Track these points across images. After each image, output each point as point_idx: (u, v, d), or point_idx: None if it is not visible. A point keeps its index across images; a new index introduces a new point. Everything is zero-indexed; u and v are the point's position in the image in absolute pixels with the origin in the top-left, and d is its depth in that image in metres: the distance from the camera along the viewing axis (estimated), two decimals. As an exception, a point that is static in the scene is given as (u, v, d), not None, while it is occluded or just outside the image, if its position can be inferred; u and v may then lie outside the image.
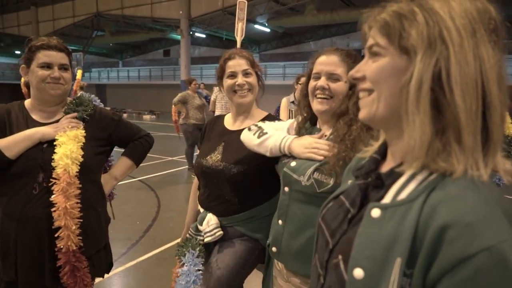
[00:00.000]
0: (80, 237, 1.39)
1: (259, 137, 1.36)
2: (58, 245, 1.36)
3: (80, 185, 1.40)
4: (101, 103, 1.83)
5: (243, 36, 5.27)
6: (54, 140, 1.41)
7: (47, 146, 1.41)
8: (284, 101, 4.47)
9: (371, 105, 0.60)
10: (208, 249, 1.59)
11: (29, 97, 1.54)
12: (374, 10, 0.60)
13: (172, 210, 4.73)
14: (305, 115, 1.35)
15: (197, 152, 1.98)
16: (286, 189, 1.27)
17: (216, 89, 6.17)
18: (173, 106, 6.39)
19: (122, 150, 1.70)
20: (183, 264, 1.55)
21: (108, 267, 1.64)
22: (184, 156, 6.93)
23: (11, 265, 1.38)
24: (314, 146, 1.22)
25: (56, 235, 1.36)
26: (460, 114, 0.51)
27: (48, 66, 1.42)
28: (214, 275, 1.46)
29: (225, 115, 1.72)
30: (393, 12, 0.57)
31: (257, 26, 17.80)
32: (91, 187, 1.48)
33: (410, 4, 0.56)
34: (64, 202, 1.33)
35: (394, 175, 0.59)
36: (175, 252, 1.61)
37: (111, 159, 1.82)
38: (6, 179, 1.37)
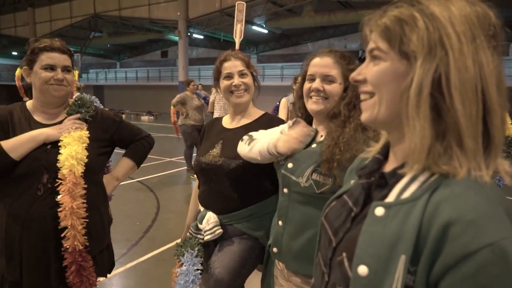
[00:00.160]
0: (86, 237, 1.40)
1: (249, 144, 1.40)
2: (64, 245, 1.37)
3: (86, 186, 1.41)
4: (101, 105, 1.84)
5: (242, 37, 5.29)
6: (58, 141, 1.42)
7: (51, 147, 1.43)
8: (284, 101, 4.49)
9: (373, 108, 0.61)
10: (208, 249, 1.61)
11: (29, 98, 1.55)
12: (375, 13, 0.61)
13: (171, 211, 4.73)
14: (299, 115, 1.37)
15: (196, 153, 2.00)
16: (285, 190, 1.28)
17: (214, 90, 6.18)
18: (172, 107, 6.40)
19: (121, 151, 1.72)
20: (182, 264, 1.56)
21: (110, 267, 1.66)
22: (183, 157, 6.92)
23: (16, 266, 1.38)
24: (294, 136, 1.25)
25: (62, 235, 1.37)
26: (460, 119, 0.52)
27: (51, 68, 1.43)
28: (214, 276, 1.47)
29: (223, 117, 1.75)
30: (394, 17, 0.57)
31: (255, 28, 17.81)
32: (94, 188, 1.49)
33: (410, 9, 0.56)
34: (70, 202, 1.35)
35: (397, 175, 0.60)
36: (174, 253, 1.62)
37: (109, 160, 1.83)
38: (11, 180, 1.38)
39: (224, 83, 1.60)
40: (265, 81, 19.22)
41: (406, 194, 0.56)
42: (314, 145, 1.27)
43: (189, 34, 17.85)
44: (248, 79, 1.61)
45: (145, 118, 19.57)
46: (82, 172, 1.40)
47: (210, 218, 1.53)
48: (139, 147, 1.71)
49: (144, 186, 5.86)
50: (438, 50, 0.53)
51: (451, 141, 0.53)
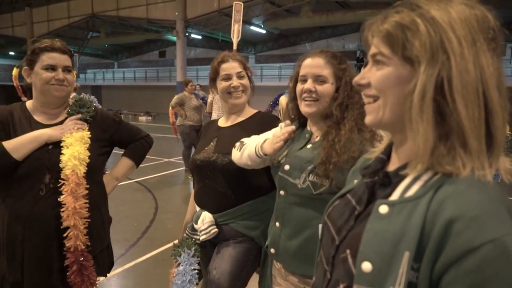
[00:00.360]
0: (87, 237, 1.41)
1: (240, 150, 1.41)
2: (67, 245, 1.38)
3: (88, 186, 1.42)
4: (99, 105, 1.84)
5: (239, 37, 5.29)
6: (60, 141, 1.42)
7: (53, 147, 1.43)
8: (283, 99, 4.52)
9: (377, 112, 0.62)
10: (205, 249, 1.61)
11: (28, 98, 1.55)
12: (375, 18, 0.62)
13: (169, 211, 4.73)
14: (292, 117, 1.38)
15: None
16: (282, 192, 1.29)
17: (213, 90, 6.17)
18: (170, 108, 6.40)
19: (119, 151, 1.72)
20: (179, 264, 1.56)
21: (110, 266, 1.66)
22: (181, 157, 6.92)
23: (17, 266, 1.39)
24: (277, 135, 1.26)
25: (64, 235, 1.38)
26: (464, 121, 0.53)
27: (52, 68, 1.44)
28: (214, 284, 1.47)
29: (219, 119, 1.77)
30: (396, 22, 0.58)
31: (252, 28, 17.82)
32: (95, 188, 1.50)
33: (411, 14, 0.57)
34: (73, 202, 1.36)
35: (400, 174, 0.61)
36: (171, 253, 1.63)
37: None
38: (13, 180, 1.38)
39: (222, 84, 1.61)
40: (263, 81, 19.25)
41: (410, 193, 0.57)
42: (309, 146, 1.27)
43: (187, 34, 17.84)
44: (246, 81, 1.63)
45: (143, 118, 19.52)
46: (84, 173, 1.41)
47: (205, 218, 1.53)
48: (138, 147, 1.72)
49: (142, 186, 5.86)
50: (440, 55, 0.54)
51: (455, 142, 0.54)
